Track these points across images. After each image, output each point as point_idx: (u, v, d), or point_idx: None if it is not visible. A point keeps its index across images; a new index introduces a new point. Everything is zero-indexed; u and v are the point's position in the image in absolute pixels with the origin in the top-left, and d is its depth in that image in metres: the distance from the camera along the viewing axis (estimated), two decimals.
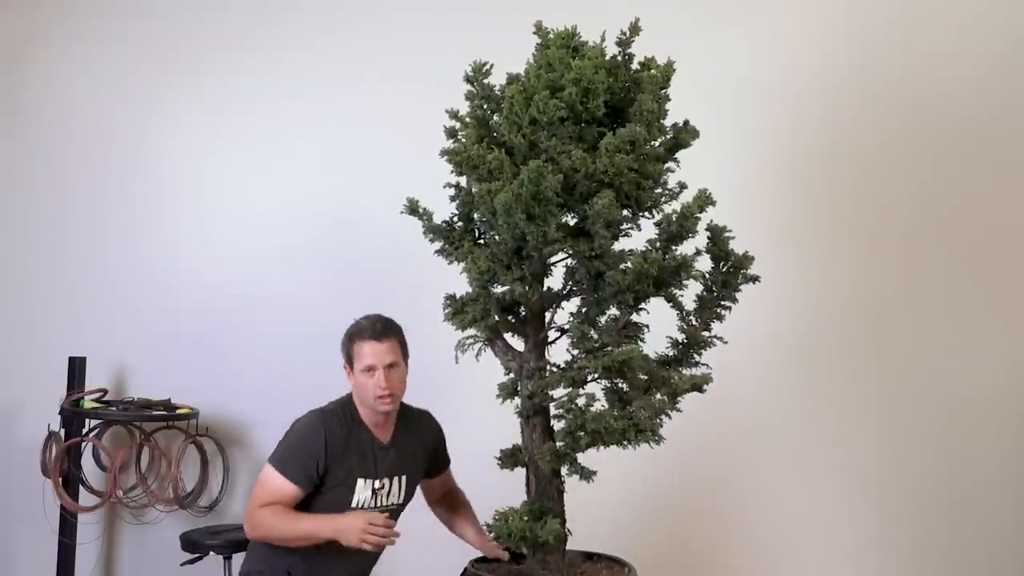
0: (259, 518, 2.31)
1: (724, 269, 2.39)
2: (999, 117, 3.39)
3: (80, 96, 3.99)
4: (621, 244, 2.28)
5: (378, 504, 2.42)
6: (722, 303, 2.40)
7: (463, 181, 2.38)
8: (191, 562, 3.26)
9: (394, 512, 2.47)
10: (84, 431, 3.47)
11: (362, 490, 2.39)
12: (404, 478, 2.48)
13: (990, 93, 3.40)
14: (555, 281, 2.40)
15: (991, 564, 3.27)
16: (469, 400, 3.34)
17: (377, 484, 2.41)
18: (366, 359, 2.37)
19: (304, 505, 2.37)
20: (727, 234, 2.37)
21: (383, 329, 2.41)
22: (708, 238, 2.37)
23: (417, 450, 2.53)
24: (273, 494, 2.33)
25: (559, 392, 2.30)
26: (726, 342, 2.39)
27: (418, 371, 3.51)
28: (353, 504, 2.38)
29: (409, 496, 2.53)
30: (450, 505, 2.67)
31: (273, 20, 3.91)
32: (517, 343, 2.42)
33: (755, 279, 2.39)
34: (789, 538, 3.36)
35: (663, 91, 2.31)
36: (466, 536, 2.58)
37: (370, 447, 2.42)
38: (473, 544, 2.54)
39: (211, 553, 3.21)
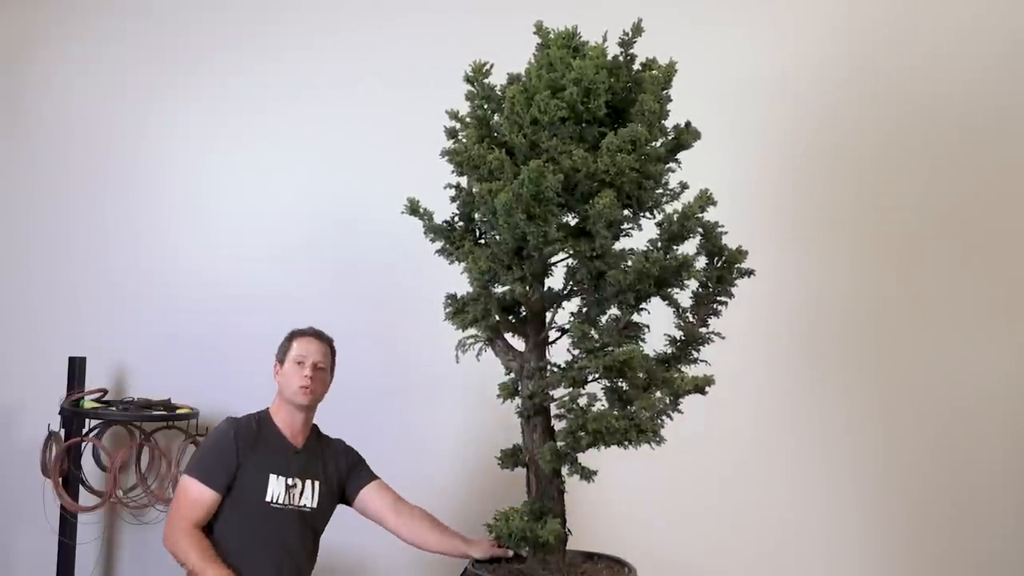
0: (184, 541, 2.41)
1: (718, 265, 2.39)
2: (998, 117, 3.40)
3: (80, 96, 3.98)
4: (622, 244, 2.29)
5: (291, 502, 2.54)
6: (718, 299, 2.41)
7: (464, 181, 2.39)
8: None
9: (306, 516, 2.57)
10: (84, 431, 3.47)
11: (275, 484, 2.52)
12: (317, 483, 2.60)
13: (989, 94, 3.41)
14: (556, 281, 2.40)
15: (992, 563, 3.27)
16: (469, 400, 3.35)
17: (290, 482, 2.55)
18: (299, 351, 2.60)
19: (220, 500, 2.48)
20: (719, 229, 2.37)
21: (320, 333, 2.68)
22: (701, 235, 2.37)
23: (329, 465, 2.66)
24: (193, 503, 2.46)
25: (559, 392, 2.30)
26: (724, 338, 2.39)
27: (418, 371, 3.54)
28: (267, 498, 2.50)
29: (322, 506, 2.61)
30: (423, 523, 2.65)
31: (273, 20, 3.90)
32: (518, 343, 2.42)
33: (749, 273, 2.39)
34: (789, 537, 3.36)
35: (664, 91, 2.32)
36: (468, 550, 2.55)
37: (283, 448, 2.58)
38: (473, 553, 2.52)
39: None
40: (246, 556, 2.45)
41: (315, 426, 2.71)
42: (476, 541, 2.53)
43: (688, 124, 2.39)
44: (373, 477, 2.72)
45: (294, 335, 2.66)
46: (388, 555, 3.55)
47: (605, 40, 2.32)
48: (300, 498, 2.56)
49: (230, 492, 2.49)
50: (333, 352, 2.70)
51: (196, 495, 2.46)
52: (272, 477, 2.52)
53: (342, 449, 2.74)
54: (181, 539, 2.41)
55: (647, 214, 2.33)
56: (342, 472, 2.68)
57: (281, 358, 2.64)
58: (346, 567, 3.59)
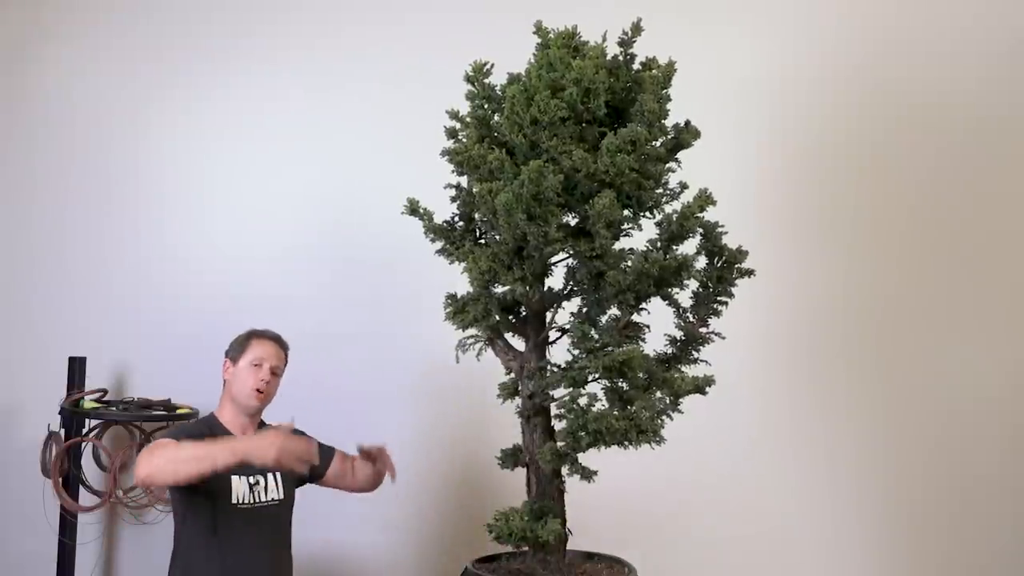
0: (159, 451, 2.27)
1: (718, 265, 2.39)
2: (999, 117, 3.40)
3: (80, 96, 3.98)
4: (622, 244, 2.29)
5: (257, 499, 2.52)
6: (718, 299, 2.41)
7: (464, 181, 2.39)
8: None
9: (273, 509, 2.57)
10: (84, 431, 3.47)
11: (238, 485, 2.49)
12: (278, 475, 2.57)
13: (990, 93, 3.41)
14: (556, 281, 2.40)
15: (991, 564, 3.27)
16: (469, 400, 3.35)
17: (252, 480, 2.52)
18: (258, 353, 2.58)
19: (186, 503, 2.47)
20: (719, 229, 2.37)
21: (279, 337, 2.67)
22: (701, 235, 2.37)
23: None
24: (166, 447, 2.33)
25: (560, 392, 2.30)
26: (724, 338, 2.39)
27: (418, 370, 3.54)
28: (233, 500, 2.48)
29: (289, 494, 2.62)
30: (360, 470, 2.76)
31: (271, 20, 3.90)
32: (518, 343, 2.42)
33: (750, 273, 2.39)
34: (789, 537, 3.36)
35: (664, 91, 2.32)
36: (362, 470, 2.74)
37: None
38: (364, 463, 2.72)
39: None
40: (220, 560, 2.44)
41: (263, 421, 2.70)
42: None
43: (688, 123, 2.39)
44: (332, 449, 2.75)
45: (253, 335, 2.62)
46: (388, 555, 3.56)
47: (605, 40, 2.32)
48: (266, 493, 2.55)
49: (196, 494, 2.43)
50: (287, 359, 2.68)
51: (167, 442, 2.36)
52: (234, 478, 2.48)
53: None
54: (158, 451, 2.27)
55: (647, 214, 2.33)
56: None
57: (235, 357, 2.60)
58: (346, 567, 3.59)
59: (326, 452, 2.73)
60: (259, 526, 2.52)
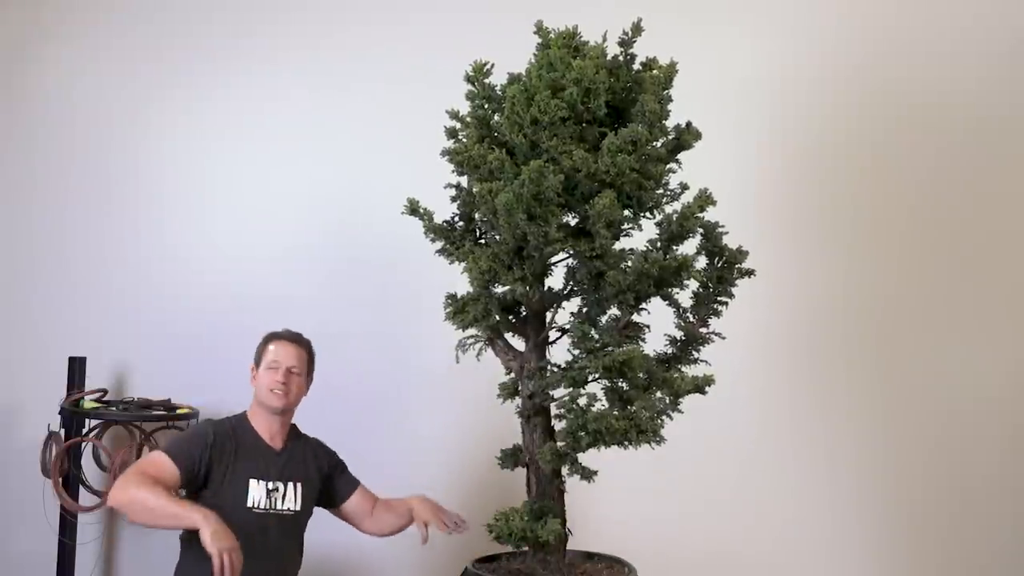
0: (131, 483, 2.27)
1: (719, 265, 2.39)
2: (999, 117, 3.40)
3: (80, 96, 3.98)
4: (622, 244, 2.29)
5: (272, 506, 2.53)
6: (718, 299, 2.41)
7: (464, 181, 2.39)
8: None
9: (288, 520, 2.55)
10: (84, 431, 3.47)
11: (256, 489, 2.50)
12: (299, 485, 2.58)
13: (990, 93, 3.41)
14: (556, 281, 2.40)
15: (991, 564, 3.27)
16: (469, 400, 3.35)
17: (271, 486, 2.53)
18: (273, 355, 2.58)
19: (200, 503, 2.41)
20: (720, 229, 2.37)
21: (297, 337, 2.65)
22: (701, 235, 2.37)
23: (310, 464, 2.65)
24: (153, 466, 2.36)
25: (560, 392, 2.30)
26: (724, 338, 2.39)
27: (419, 371, 3.54)
28: (248, 504, 2.49)
29: (305, 507, 2.61)
30: (383, 514, 2.72)
31: (272, 20, 3.90)
32: (518, 343, 2.42)
33: (750, 273, 2.39)
34: (789, 537, 3.36)
35: (665, 91, 2.32)
36: (407, 519, 2.69)
37: (262, 452, 2.56)
38: (417, 520, 2.65)
39: None
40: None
41: (293, 426, 2.70)
42: (417, 505, 2.65)
43: (689, 124, 2.39)
44: (357, 482, 2.73)
45: (270, 338, 2.63)
46: (387, 555, 3.55)
47: (605, 40, 2.32)
48: (283, 502, 2.55)
49: (209, 490, 2.45)
50: (311, 357, 2.67)
51: (160, 461, 2.39)
52: (252, 482, 2.50)
53: (323, 450, 2.72)
54: (130, 485, 2.26)
55: (647, 214, 2.33)
56: (324, 472, 2.68)
57: (257, 361, 2.62)
58: (344, 567, 3.59)
59: (349, 483, 2.71)
60: (271, 532, 2.51)
